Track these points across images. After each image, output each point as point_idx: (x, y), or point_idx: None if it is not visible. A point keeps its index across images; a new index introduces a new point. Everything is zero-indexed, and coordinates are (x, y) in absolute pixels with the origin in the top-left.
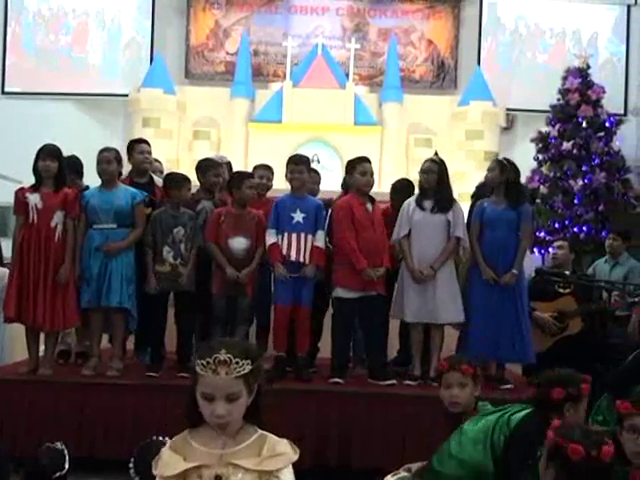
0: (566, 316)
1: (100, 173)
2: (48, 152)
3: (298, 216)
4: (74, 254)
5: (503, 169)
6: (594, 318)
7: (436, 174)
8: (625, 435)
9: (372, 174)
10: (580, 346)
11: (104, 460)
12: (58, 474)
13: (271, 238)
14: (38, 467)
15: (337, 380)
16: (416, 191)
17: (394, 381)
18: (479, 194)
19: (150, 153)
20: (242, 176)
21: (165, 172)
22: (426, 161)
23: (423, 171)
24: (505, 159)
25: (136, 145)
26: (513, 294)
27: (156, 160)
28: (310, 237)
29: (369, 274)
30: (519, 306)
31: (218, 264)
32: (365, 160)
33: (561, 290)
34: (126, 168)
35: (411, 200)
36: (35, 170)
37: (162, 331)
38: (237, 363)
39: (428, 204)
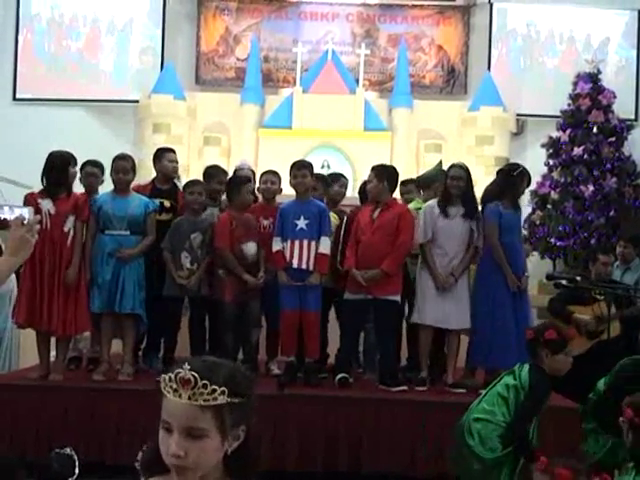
0: (604, 320)
1: (115, 181)
2: (74, 160)
3: (301, 223)
4: (83, 257)
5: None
6: (632, 324)
7: (465, 181)
8: None
9: (368, 182)
10: (616, 350)
11: (114, 466)
12: None
13: (276, 245)
14: (50, 473)
15: (343, 375)
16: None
17: (405, 387)
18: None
19: (177, 162)
20: (240, 181)
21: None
22: (453, 167)
23: (453, 177)
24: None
25: (166, 154)
26: (519, 300)
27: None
28: (314, 244)
29: (354, 275)
30: (525, 311)
31: (232, 271)
32: (371, 169)
33: (597, 296)
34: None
35: (433, 205)
36: (60, 176)
37: (176, 336)
38: (205, 387)
39: (453, 210)
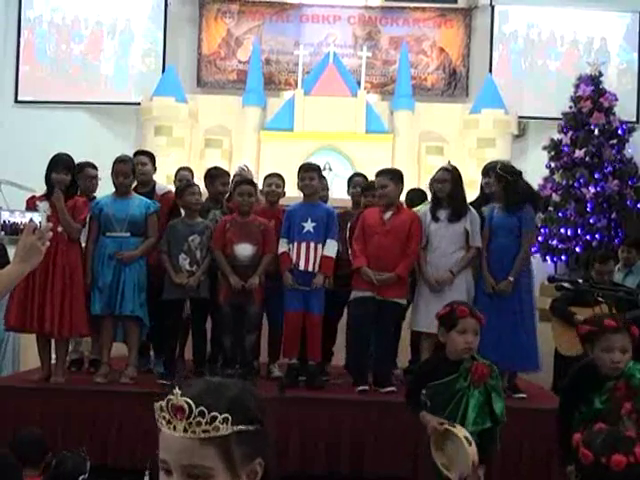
0: None
1: (116, 185)
2: (63, 165)
3: (309, 225)
4: (84, 259)
5: (499, 179)
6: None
7: (450, 183)
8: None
9: (382, 186)
10: None
11: (116, 468)
12: (81, 478)
13: (282, 247)
14: (61, 472)
15: (363, 388)
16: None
17: (394, 388)
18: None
19: (144, 164)
20: (234, 185)
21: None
22: (439, 170)
23: (437, 180)
24: (500, 167)
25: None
26: (515, 301)
27: (185, 169)
28: (320, 246)
29: (366, 273)
30: (522, 313)
31: (222, 273)
32: (379, 174)
33: (600, 298)
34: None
35: (426, 210)
36: (48, 180)
37: (176, 339)
38: (202, 415)
39: (443, 214)
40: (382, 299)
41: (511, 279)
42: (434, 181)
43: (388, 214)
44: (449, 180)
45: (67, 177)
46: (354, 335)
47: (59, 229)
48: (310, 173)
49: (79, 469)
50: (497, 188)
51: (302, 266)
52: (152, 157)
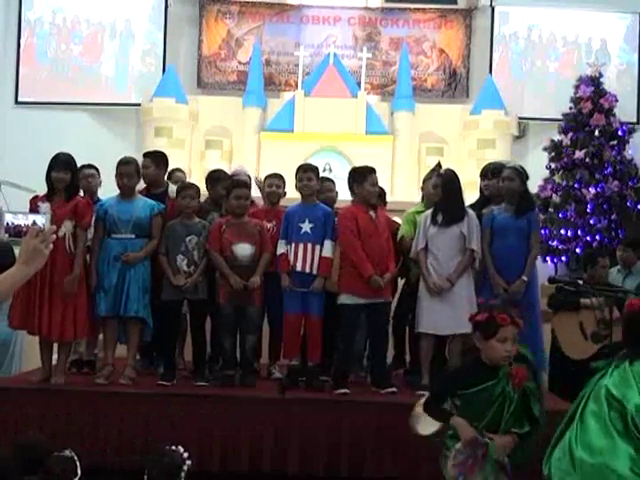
0: (611, 324)
1: (120, 186)
2: (62, 164)
3: (306, 226)
4: (90, 261)
5: (522, 179)
6: None
7: (443, 188)
8: None
9: (376, 185)
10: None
11: (116, 470)
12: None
13: (280, 249)
14: (51, 476)
15: (344, 391)
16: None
17: (394, 389)
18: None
19: (146, 167)
20: (230, 185)
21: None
22: (430, 172)
23: (433, 186)
24: (521, 167)
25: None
26: (524, 302)
27: (179, 170)
28: (318, 247)
29: (376, 282)
30: (530, 314)
31: (222, 274)
32: (374, 171)
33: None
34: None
35: (428, 213)
36: (48, 180)
37: (175, 340)
38: None
39: (440, 217)
40: (373, 301)
41: (525, 279)
42: (430, 185)
43: (372, 213)
44: (439, 185)
45: (66, 176)
46: (345, 340)
47: (59, 233)
48: (308, 174)
49: (69, 473)
50: (513, 185)
51: (299, 267)
52: (160, 158)
